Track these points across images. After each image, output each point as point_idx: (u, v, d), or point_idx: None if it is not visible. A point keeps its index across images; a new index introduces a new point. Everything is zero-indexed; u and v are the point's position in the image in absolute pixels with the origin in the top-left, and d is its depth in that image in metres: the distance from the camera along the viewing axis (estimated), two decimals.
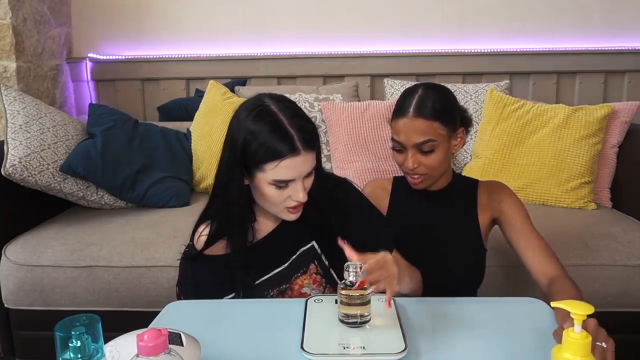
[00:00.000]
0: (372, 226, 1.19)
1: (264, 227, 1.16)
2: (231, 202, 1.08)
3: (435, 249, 1.27)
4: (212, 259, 1.13)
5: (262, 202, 1.09)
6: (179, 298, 1.18)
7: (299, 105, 1.10)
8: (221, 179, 1.09)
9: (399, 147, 1.21)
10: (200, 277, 1.14)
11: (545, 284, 1.16)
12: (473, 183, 1.34)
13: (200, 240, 1.13)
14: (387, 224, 1.23)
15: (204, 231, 1.13)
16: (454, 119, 1.23)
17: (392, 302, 0.97)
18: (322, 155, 2.18)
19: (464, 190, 1.32)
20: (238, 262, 1.11)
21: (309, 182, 1.07)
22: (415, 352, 0.87)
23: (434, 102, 1.18)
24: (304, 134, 1.02)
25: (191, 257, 1.15)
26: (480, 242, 1.29)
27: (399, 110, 1.21)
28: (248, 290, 1.12)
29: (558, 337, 0.89)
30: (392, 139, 1.22)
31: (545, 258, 1.19)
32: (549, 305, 1.08)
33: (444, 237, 1.29)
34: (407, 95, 1.22)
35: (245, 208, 1.11)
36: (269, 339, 0.93)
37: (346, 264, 0.94)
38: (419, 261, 1.25)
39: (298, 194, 1.04)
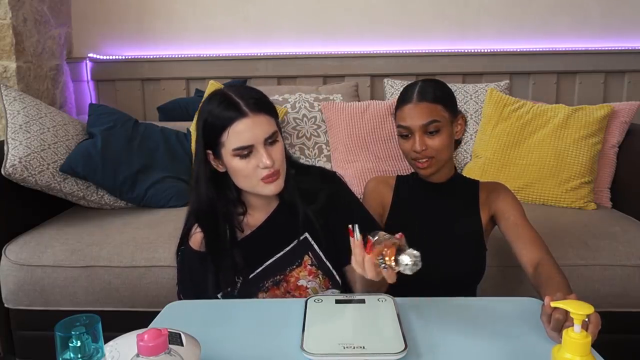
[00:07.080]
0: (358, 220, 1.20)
1: (253, 220, 1.17)
2: (205, 190, 1.11)
3: (438, 241, 1.29)
4: (204, 255, 1.13)
5: (238, 181, 1.11)
6: (179, 297, 1.18)
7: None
8: (195, 170, 1.13)
9: (405, 133, 1.27)
10: (198, 274, 1.15)
11: (531, 272, 1.17)
12: (474, 183, 1.38)
13: (195, 237, 1.14)
14: (373, 220, 1.24)
15: (198, 228, 1.14)
16: (453, 105, 1.30)
17: (355, 229, 0.93)
18: (322, 155, 2.20)
19: (466, 188, 1.36)
20: (222, 259, 1.11)
21: (276, 151, 1.09)
22: (416, 352, 0.87)
23: (435, 89, 1.27)
24: (249, 100, 1.07)
25: (188, 256, 1.15)
26: (481, 238, 1.31)
27: (403, 99, 1.28)
28: (234, 287, 1.12)
29: (547, 316, 0.89)
30: (398, 127, 1.28)
31: (533, 247, 1.20)
32: (538, 293, 1.09)
33: (447, 230, 1.31)
34: (408, 87, 1.30)
35: (221, 194, 1.14)
36: (269, 339, 0.93)
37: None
38: (422, 254, 1.27)
39: (262, 158, 1.06)
